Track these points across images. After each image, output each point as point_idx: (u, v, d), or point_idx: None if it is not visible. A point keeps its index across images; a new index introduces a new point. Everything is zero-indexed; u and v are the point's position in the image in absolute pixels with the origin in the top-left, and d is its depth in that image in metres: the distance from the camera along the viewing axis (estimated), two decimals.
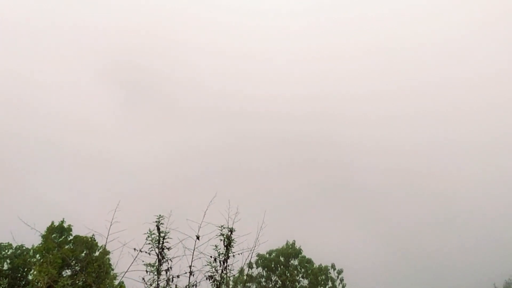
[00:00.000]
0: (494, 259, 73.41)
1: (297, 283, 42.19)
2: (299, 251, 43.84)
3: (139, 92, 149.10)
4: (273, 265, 42.97)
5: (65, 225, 32.12)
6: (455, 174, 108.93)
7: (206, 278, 13.86)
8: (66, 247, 30.82)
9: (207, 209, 13.90)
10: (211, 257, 13.95)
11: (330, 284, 42.78)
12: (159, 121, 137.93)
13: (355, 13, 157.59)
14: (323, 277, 42.53)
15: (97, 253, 30.62)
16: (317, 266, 43.21)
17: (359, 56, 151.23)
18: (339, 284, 42.96)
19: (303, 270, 42.86)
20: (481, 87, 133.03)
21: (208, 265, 13.94)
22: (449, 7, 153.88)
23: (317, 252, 45.73)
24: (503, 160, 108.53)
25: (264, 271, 43.06)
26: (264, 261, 42.93)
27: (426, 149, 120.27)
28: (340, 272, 43.23)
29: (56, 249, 29.91)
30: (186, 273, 13.84)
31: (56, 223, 32.06)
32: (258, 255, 42.49)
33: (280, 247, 44.20)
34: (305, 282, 42.77)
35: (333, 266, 43.69)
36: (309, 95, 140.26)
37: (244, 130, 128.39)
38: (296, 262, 43.59)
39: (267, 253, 43.38)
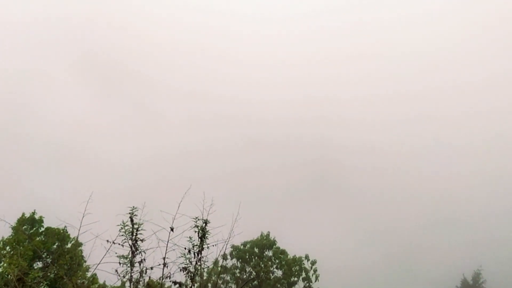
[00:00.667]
0: (466, 254, 75.17)
1: (271, 274, 42.52)
2: (273, 243, 44.14)
3: (120, 89, 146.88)
4: (247, 256, 43.18)
5: (36, 216, 31.55)
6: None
7: (180, 270, 13.84)
8: (37, 239, 30.30)
9: (181, 201, 13.85)
10: (185, 248, 13.92)
11: (303, 274, 43.26)
12: (142, 122, 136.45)
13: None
14: (297, 267, 42.97)
15: (69, 245, 30.20)
16: (291, 257, 43.60)
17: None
18: (312, 275, 43.48)
19: (277, 261, 43.21)
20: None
21: (182, 256, 13.92)
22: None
23: (303, 248, 46.14)
24: (495, 162, 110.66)
25: (238, 262, 43.24)
26: (239, 253, 43.10)
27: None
28: (313, 262, 43.73)
29: (27, 241, 29.38)
30: (160, 264, 13.81)
31: (27, 215, 31.48)
32: (233, 246, 42.66)
33: (255, 238, 44.43)
34: (279, 273, 43.14)
35: (307, 257, 44.15)
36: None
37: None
38: (270, 253, 43.91)
39: (241, 244, 43.55)
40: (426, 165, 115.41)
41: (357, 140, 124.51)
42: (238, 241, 43.14)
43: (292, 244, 47.22)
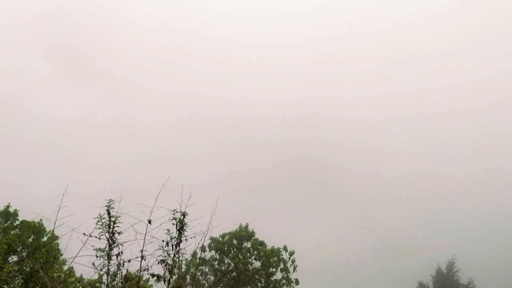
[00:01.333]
0: (444, 249, 76.48)
1: (249, 265, 42.72)
2: (252, 234, 44.31)
3: (102, 88, 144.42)
4: (226, 248, 43.27)
5: (11, 209, 31.02)
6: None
7: (158, 262, 13.82)
8: (12, 232, 29.80)
9: (159, 193, 13.80)
10: (163, 241, 13.91)
11: (281, 265, 43.59)
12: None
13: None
14: (275, 258, 43.26)
15: (45, 238, 29.79)
16: (270, 248, 43.84)
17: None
18: (290, 265, 43.83)
19: (255, 252, 43.40)
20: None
21: (160, 249, 13.90)
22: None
23: (291, 244, 46.37)
24: (491, 161, 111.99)
25: (217, 254, 43.31)
26: (217, 244, 43.15)
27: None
28: (291, 253, 44.08)
29: (1, 234, 28.88)
30: (137, 257, 13.76)
31: (1, 208, 30.92)
32: (211, 238, 42.68)
33: (234, 230, 44.53)
34: (257, 264, 43.37)
35: (285, 248, 44.46)
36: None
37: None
38: (249, 245, 44.07)
39: (220, 236, 43.62)
40: (416, 165, 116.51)
41: (348, 139, 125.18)
42: (216, 233, 43.22)
43: (281, 240, 47.49)
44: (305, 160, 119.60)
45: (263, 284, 42.97)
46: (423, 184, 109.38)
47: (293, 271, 44.01)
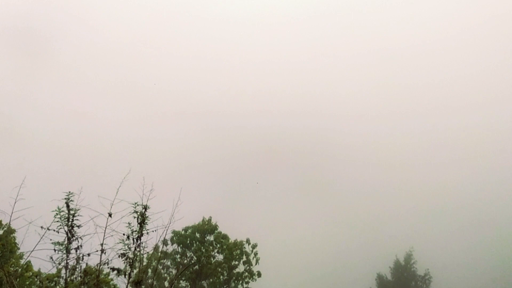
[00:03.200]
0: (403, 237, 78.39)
1: (212, 258, 42.72)
2: (215, 227, 44.28)
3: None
4: (188, 242, 43.12)
5: None
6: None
7: (119, 256, 13.69)
8: None
9: (120, 186, 13.63)
10: (124, 234, 13.78)
11: (244, 258, 43.81)
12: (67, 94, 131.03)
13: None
14: (238, 251, 43.43)
15: (1, 232, 28.93)
16: (233, 241, 43.97)
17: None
18: (253, 258, 44.11)
19: (218, 245, 43.43)
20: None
21: (120, 242, 13.76)
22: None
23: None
24: (451, 154, 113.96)
25: (179, 247, 43.10)
26: (180, 238, 42.92)
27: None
28: (254, 246, 44.34)
29: None
30: (97, 251, 13.59)
31: None
32: (174, 232, 42.43)
33: (196, 223, 44.40)
34: (220, 257, 43.43)
35: (248, 241, 44.69)
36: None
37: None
38: (211, 238, 44.06)
39: (182, 229, 43.40)
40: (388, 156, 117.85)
41: (329, 131, 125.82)
42: (179, 227, 42.98)
43: (247, 234, 47.37)
44: (277, 153, 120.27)
45: (226, 277, 43.11)
46: (401, 179, 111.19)
47: (256, 264, 44.30)
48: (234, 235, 45.07)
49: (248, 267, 43.81)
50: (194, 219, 45.05)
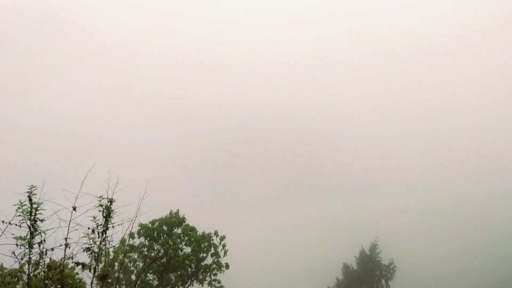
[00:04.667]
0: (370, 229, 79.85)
1: (180, 251, 42.58)
2: (182, 220, 44.05)
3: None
4: (155, 235, 42.80)
5: None
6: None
7: (83, 250, 13.52)
8: None
9: (84, 179, 13.43)
10: (88, 228, 13.59)
11: (212, 250, 43.83)
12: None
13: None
14: (206, 243, 43.40)
15: None
16: (200, 233, 43.89)
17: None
18: (221, 250, 44.19)
19: (186, 238, 43.28)
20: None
21: (85, 236, 13.58)
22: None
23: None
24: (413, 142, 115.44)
25: (146, 240, 42.73)
26: (147, 231, 42.52)
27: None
28: (222, 238, 44.38)
29: None
30: (61, 245, 13.38)
31: None
32: (140, 225, 42.02)
33: (164, 216, 44.10)
34: (188, 249, 43.31)
35: (216, 233, 44.69)
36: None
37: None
38: (179, 231, 43.84)
39: (150, 222, 43.03)
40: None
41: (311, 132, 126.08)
42: (146, 220, 42.58)
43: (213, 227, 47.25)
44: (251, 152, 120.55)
45: (194, 269, 43.06)
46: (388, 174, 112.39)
47: (224, 256, 44.40)
48: (205, 228, 45.01)
49: (216, 259, 43.85)
50: (163, 213, 44.76)
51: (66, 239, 13.33)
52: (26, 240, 13.32)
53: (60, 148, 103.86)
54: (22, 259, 13.46)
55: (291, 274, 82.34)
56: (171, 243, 42.30)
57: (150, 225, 43.04)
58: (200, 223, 45.87)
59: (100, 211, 13.79)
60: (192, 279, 42.97)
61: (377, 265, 68.57)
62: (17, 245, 13.29)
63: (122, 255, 32.49)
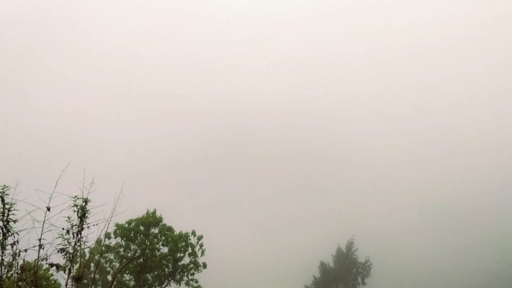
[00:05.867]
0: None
1: (157, 251, 42.27)
2: (159, 220, 43.72)
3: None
4: (132, 235, 42.37)
5: None
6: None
7: (58, 251, 13.31)
8: None
9: (59, 179, 13.22)
10: (63, 229, 13.40)
11: (190, 250, 43.62)
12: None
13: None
14: (183, 243, 43.17)
15: None
16: (178, 233, 43.64)
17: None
18: (198, 250, 44.02)
19: (163, 238, 42.97)
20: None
21: (60, 237, 13.38)
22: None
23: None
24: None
25: (123, 240, 42.27)
26: (123, 231, 42.05)
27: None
28: (200, 238, 44.20)
29: None
30: (35, 246, 13.16)
31: None
32: (117, 225, 41.54)
33: (141, 216, 43.69)
34: (165, 249, 43.01)
35: (193, 233, 44.49)
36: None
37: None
38: (156, 231, 43.50)
39: (126, 222, 42.58)
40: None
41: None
42: (123, 220, 42.14)
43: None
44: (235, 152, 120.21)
45: (171, 269, 42.79)
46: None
47: (201, 255, 44.25)
48: (185, 228, 44.77)
49: (193, 259, 43.67)
50: (140, 212, 44.35)
51: (40, 240, 13.13)
52: None
53: (34, 146, 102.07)
54: None
55: (270, 274, 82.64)
56: (148, 243, 41.94)
57: (126, 225, 42.59)
58: (179, 223, 45.67)
59: (75, 211, 13.60)
60: (169, 279, 42.71)
61: (354, 263, 69.33)
62: None
63: (98, 255, 32.14)
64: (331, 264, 70.03)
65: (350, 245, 70.57)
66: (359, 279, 68.43)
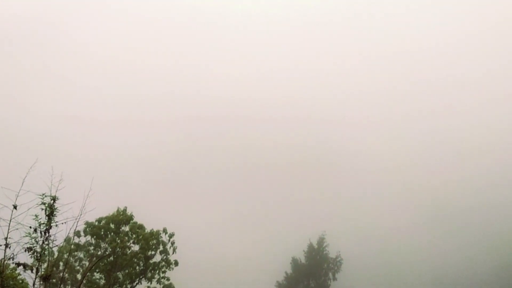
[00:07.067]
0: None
1: (127, 249, 41.84)
2: (130, 217, 43.28)
3: None
4: (102, 233, 41.83)
5: None
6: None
7: (25, 250, 13.07)
8: None
9: (26, 176, 12.96)
10: (30, 227, 13.15)
11: (161, 247, 43.36)
12: None
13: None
14: (154, 241, 42.88)
15: None
16: (149, 231, 43.30)
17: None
18: (170, 247, 43.80)
19: (134, 235, 42.56)
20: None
21: (27, 236, 13.13)
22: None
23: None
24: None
25: (93, 239, 41.70)
26: (93, 229, 41.48)
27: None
28: (171, 235, 43.98)
29: None
30: (1, 245, 12.88)
31: None
32: (87, 223, 40.95)
33: (111, 214, 43.16)
34: (136, 247, 42.62)
35: (164, 230, 44.23)
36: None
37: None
38: (127, 229, 43.07)
39: (96, 220, 42.01)
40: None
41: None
42: (93, 218, 41.57)
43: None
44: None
45: (142, 267, 42.45)
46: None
47: (173, 253, 44.06)
48: (156, 226, 44.43)
49: (165, 257, 43.42)
50: (110, 210, 43.80)
51: (6, 239, 12.86)
52: None
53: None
54: None
55: (242, 270, 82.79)
56: (119, 241, 41.50)
57: (96, 223, 42.05)
58: (151, 221, 45.30)
59: (42, 209, 13.36)
60: (141, 277, 42.36)
61: (325, 258, 70.14)
62: None
63: (67, 254, 31.64)
64: (303, 260, 70.67)
65: (321, 241, 71.37)
66: (330, 275, 69.29)
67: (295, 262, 70.43)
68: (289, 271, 70.13)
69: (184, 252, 46.67)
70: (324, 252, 70.58)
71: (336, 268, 69.45)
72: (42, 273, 13.42)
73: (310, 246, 71.25)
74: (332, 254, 70.24)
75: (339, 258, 69.73)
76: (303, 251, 71.33)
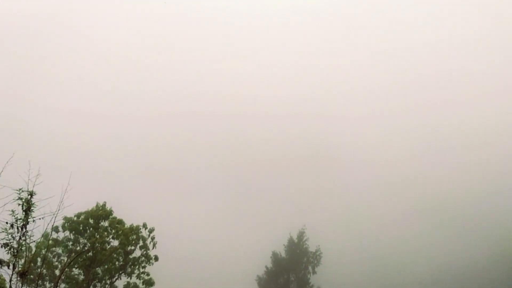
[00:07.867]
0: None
1: (107, 244, 41.53)
2: (109, 213, 42.94)
3: None
4: (81, 228, 41.42)
5: None
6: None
7: (1, 246, 12.88)
8: None
9: (2, 171, 12.75)
10: (7, 223, 12.95)
11: (141, 242, 43.15)
12: None
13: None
14: (134, 236, 42.64)
15: None
16: (128, 226, 43.02)
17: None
18: (150, 243, 43.62)
19: (113, 231, 42.24)
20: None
21: (3, 232, 12.94)
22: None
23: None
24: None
25: (71, 234, 41.26)
26: (72, 224, 41.03)
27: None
28: (151, 230, 43.79)
29: None
30: None
31: None
32: (65, 218, 40.46)
33: (90, 209, 42.75)
34: (115, 242, 42.33)
35: (144, 225, 44.01)
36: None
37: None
38: (106, 224, 42.72)
39: (75, 215, 41.55)
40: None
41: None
42: (71, 213, 41.09)
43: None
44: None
45: (121, 263, 42.22)
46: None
47: (153, 248, 43.89)
48: (136, 221, 44.13)
49: (145, 252, 43.22)
50: (89, 205, 43.38)
51: None
52: None
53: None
54: None
55: (223, 265, 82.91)
56: (98, 236, 41.15)
57: (75, 218, 41.62)
58: (133, 215, 45.04)
59: (19, 204, 13.17)
60: (120, 272, 42.12)
61: (305, 252, 70.66)
62: None
63: (45, 250, 31.25)
64: (283, 254, 71.08)
65: (301, 235, 71.87)
66: (310, 268, 69.85)
67: (275, 256, 70.83)
68: (270, 265, 70.49)
69: (165, 246, 46.53)
70: (304, 246, 71.10)
71: (315, 262, 70.04)
72: (19, 269, 13.24)
73: (290, 240, 71.73)
74: (314, 248, 70.73)
75: (318, 252, 70.33)
76: (283, 245, 71.76)
